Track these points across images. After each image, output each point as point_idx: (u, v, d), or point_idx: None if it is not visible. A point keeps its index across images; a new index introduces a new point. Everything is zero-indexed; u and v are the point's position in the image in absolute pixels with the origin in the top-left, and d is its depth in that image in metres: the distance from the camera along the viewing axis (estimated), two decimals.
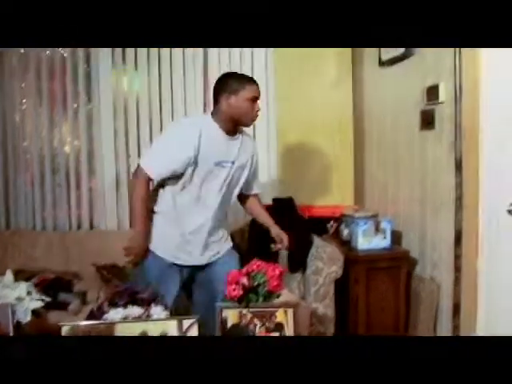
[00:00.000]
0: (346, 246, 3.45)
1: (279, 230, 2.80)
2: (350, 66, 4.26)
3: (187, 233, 2.63)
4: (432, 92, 3.10)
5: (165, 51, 3.93)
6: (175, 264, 2.64)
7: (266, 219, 2.89)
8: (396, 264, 3.37)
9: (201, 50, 3.97)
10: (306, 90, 4.13)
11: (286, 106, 4.06)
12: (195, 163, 2.53)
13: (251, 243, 3.52)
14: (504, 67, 2.71)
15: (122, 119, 3.95)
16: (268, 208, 3.01)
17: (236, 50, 4.00)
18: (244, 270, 1.99)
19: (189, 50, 3.95)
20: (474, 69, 2.81)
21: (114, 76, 3.94)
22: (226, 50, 3.98)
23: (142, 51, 3.91)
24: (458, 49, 2.86)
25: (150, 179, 2.55)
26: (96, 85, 3.91)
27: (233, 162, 2.64)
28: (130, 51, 3.91)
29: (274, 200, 3.72)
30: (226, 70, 3.90)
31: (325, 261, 3.14)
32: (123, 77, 3.97)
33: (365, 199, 4.13)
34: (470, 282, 2.92)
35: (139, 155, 3.89)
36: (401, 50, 3.39)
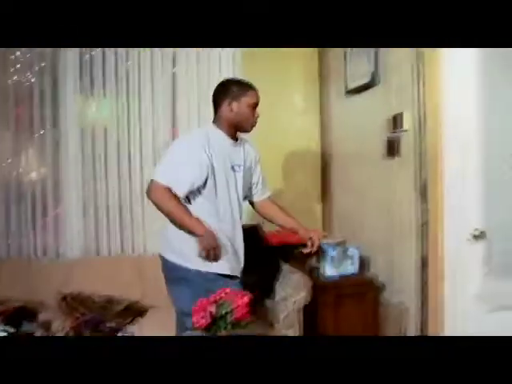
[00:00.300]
0: (314, 272, 3.46)
1: (307, 229, 2.82)
2: (318, 94, 4.32)
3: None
4: (396, 120, 3.16)
5: (133, 75, 3.93)
6: (220, 274, 2.61)
7: (289, 220, 2.91)
8: (363, 290, 3.40)
9: (170, 74, 3.99)
10: (274, 118, 4.16)
11: (254, 134, 4.07)
12: (212, 171, 2.54)
13: None
14: (464, 95, 2.79)
15: (89, 145, 3.92)
16: None
17: (204, 76, 4.02)
18: (212, 297, 1.98)
19: (158, 75, 3.96)
20: (436, 97, 2.88)
21: (82, 101, 3.92)
22: (194, 77, 4.00)
23: (110, 76, 3.90)
24: (421, 78, 2.93)
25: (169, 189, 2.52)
26: (63, 110, 3.87)
27: (243, 165, 2.69)
28: (97, 75, 3.89)
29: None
30: (194, 98, 3.94)
31: (293, 287, 3.14)
32: (91, 102, 3.94)
33: (332, 226, 4.17)
34: (435, 307, 2.95)
35: (106, 181, 3.86)
36: (366, 80, 3.46)
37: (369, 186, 3.60)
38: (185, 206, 2.56)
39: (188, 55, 3.99)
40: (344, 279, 3.39)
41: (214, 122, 2.69)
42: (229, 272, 2.64)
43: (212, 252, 2.51)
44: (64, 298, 3.38)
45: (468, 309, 2.83)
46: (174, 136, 3.95)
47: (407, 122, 3.07)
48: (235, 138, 2.72)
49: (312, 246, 2.75)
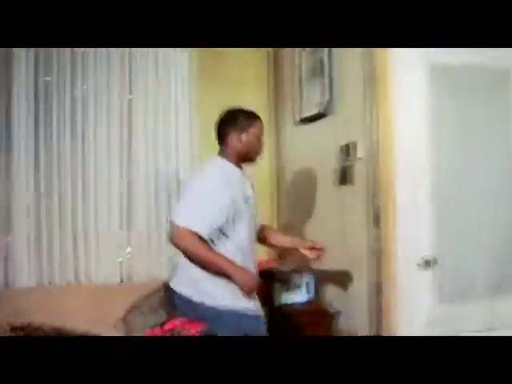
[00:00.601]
0: (269, 300, 3.45)
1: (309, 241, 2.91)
2: (269, 121, 4.35)
3: None
4: (350, 149, 3.22)
5: (90, 99, 3.89)
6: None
7: (289, 238, 3.07)
8: (317, 317, 3.40)
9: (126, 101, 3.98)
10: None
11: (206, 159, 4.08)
12: (234, 208, 2.50)
13: None
14: (415, 122, 2.87)
15: (42, 171, 3.83)
16: None
17: (160, 110, 4.03)
18: (165, 327, 1.96)
19: (114, 102, 3.94)
20: (389, 126, 2.96)
21: (35, 126, 3.82)
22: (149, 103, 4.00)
23: (64, 100, 3.84)
24: (374, 107, 3.00)
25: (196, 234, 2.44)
26: (16, 135, 3.77)
27: (252, 196, 2.69)
28: (51, 101, 3.84)
29: None
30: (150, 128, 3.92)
31: None
32: (46, 127, 3.85)
33: (286, 253, 4.17)
34: (389, 333, 2.98)
35: (60, 208, 3.80)
36: (319, 109, 3.52)
37: (322, 213, 3.64)
38: (215, 251, 2.52)
39: (144, 81, 4.00)
40: (297, 307, 3.39)
41: (221, 154, 2.66)
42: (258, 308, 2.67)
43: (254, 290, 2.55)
44: (13, 329, 3.28)
45: (421, 335, 2.86)
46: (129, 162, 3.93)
47: (361, 151, 3.13)
48: (241, 168, 2.71)
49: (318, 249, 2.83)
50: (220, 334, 2.19)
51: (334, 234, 3.46)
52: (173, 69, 4.06)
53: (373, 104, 3.02)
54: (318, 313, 3.43)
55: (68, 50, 3.77)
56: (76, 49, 3.79)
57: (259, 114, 4.25)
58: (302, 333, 3.30)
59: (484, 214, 3.05)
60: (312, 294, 3.44)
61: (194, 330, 1.93)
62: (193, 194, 2.59)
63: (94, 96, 3.90)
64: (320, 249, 2.87)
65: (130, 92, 4.00)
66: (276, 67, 4.31)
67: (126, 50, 3.93)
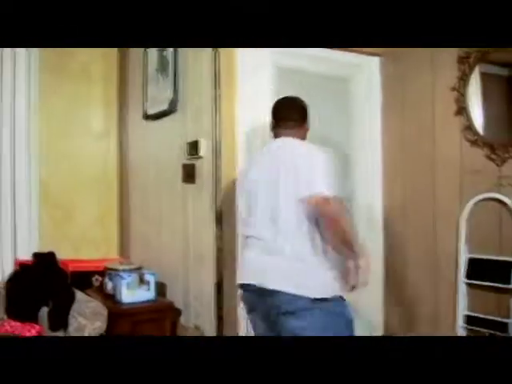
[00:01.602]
0: (111, 299, 3.38)
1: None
2: (116, 118, 4.28)
3: None
4: (193, 146, 3.25)
5: None
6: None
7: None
8: (161, 315, 3.38)
9: None
10: (70, 140, 4.05)
11: (49, 158, 3.93)
12: None
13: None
14: (260, 124, 2.96)
15: None
16: (29, 263, 2.84)
17: None
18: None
19: None
20: (231, 126, 3.02)
21: None
22: None
23: None
24: (217, 106, 3.05)
25: None
26: None
27: None
28: None
29: (35, 255, 3.52)
30: None
31: (88, 316, 3.03)
32: None
33: (130, 252, 4.12)
34: (232, 331, 3.04)
35: None
36: (164, 106, 3.51)
37: (166, 211, 3.63)
38: None
39: None
40: (141, 305, 3.35)
41: (293, 135, 2.49)
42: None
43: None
44: None
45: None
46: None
47: (203, 149, 3.17)
48: None
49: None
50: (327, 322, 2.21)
51: (179, 232, 3.47)
52: (11, 65, 3.81)
53: (217, 103, 3.06)
54: (161, 311, 3.41)
55: None
56: None
57: (107, 109, 4.22)
58: (146, 331, 3.27)
59: None
60: (154, 293, 3.41)
61: (27, 333, 1.85)
62: (322, 164, 2.37)
63: None
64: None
65: None
66: (124, 63, 4.23)
67: None
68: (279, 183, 2.32)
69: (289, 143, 2.47)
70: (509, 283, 3.14)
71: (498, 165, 3.18)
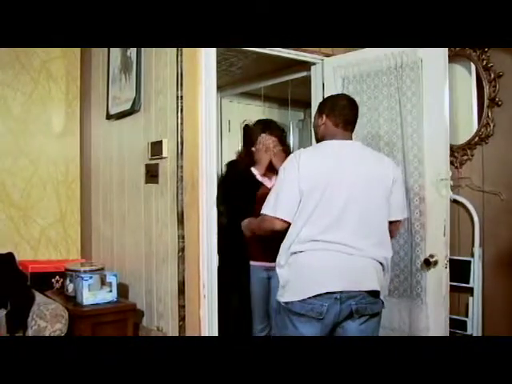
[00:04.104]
0: (72, 301, 3.33)
1: None
2: (78, 117, 4.22)
3: None
4: (156, 147, 3.23)
5: None
6: None
7: None
8: (123, 317, 3.34)
9: None
10: (30, 139, 3.98)
11: (8, 157, 3.86)
12: None
13: None
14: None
15: None
16: None
17: None
18: None
19: None
20: (194, 127, 3.01)
21: None
22: None
23: None
24: (179, 107, 3.03)
25: None
26: None
27: None
28: None
29: None
30: None
31: (48, 319, 2.98)
32: None
33: (91, 253, 4.07)
34: (194, 330, 3.03)
35: None
36: (127, 106, 3.48)
37: (129, 212, 3.60)
38: None
39: None
40: (102, 307, 3.31)
41: (351, 138, 2.55)
42: None
43: None
44: None
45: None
46: None
47: (166, 150, 3.15)
48: None
49: None
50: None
51: (141, 232, 3.45)
52: None
53: (180, 103, 3.04)
54: (123, 312, 3.36)
55: None
56: None
57: (68, 108, 4.15)
58: (108, 333, 3.23)
59: None
60: (116, 294, 3.38)
61: None
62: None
63: None
64: None
65: None
66: (86, 61, 4.17)
67: None
68: (375, 195, 2.39)
69: (378, 156, 2.58)
70: (468, 282, 3.22)
71: (456, 167, 3.27)
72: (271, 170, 3.32)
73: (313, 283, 2.29)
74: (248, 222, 2.76)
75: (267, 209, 2.41)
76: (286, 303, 2.35)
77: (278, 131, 3.44)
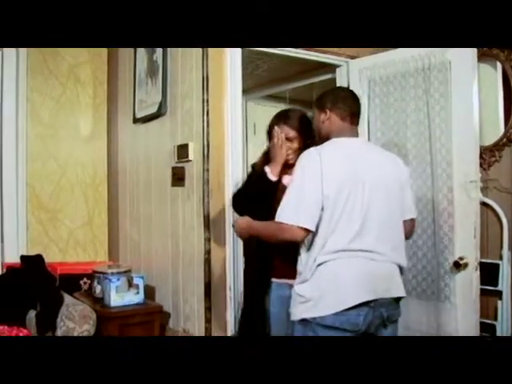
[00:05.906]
0: (99, 303, 3.37)
1: None
2: (105, 121, 4.27)
3: None
4: (182, 150, 3.24)
5: None
6: None
7: None
8: (149, 319, 3.37)
9: None
10: (58, 143, 4.04)
11: (37, 161, 3.92)
12: None
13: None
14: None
15: None
16: (16, 267, 2.81)
17: None
18: None
19: None
20: (219, 130, 3.02)
21: None
22: None
23: None
24: (205, 110, 3.05)
25: None
26: None
27: None
28: None
29: (22, 258, 3.51)
30: None
31: (76, 320, 3.01)
32: None
33: (119, 255, 4.11)
34: (219, 333, 3.04)
35: None
36: (154, 110, 3.51)
37: (156, 214, 3.63)
38: None
39: None
40: (129, 309, 3.34)
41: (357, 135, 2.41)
42: None
43: None
44: None
45: None
46: None
47: (192, 153, 3.17)
48: None
49: None
50: None
51: (167, 235, 3.47)
52: None
53: (206, 106, 3.06)
54: (150, 314, 3.39)
55: None
56: None
57: (96, 112, 4.20)
58: (134, 334, 3.26)
59: None
60: (143, 296, 3.40)
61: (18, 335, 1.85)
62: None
63: None
64: None
65: None
66: (113, 66, 4.22)
67: None
68: (393, 197, 2.28)
69: (388, 154, 2.46)
70: (496, 285, 3.17)
71: (484, 169, 3.23)
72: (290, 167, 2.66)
73: (348, 294, 2.10)
74: (248, 222, 2.43)
75: (286, 216, 2.12)
76: (314, 318, 2.12)
77: (298, 122, 2.67)
